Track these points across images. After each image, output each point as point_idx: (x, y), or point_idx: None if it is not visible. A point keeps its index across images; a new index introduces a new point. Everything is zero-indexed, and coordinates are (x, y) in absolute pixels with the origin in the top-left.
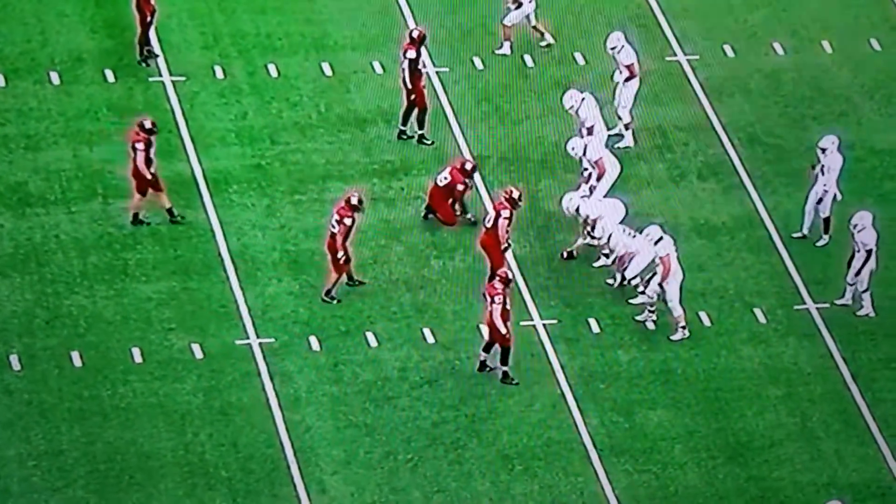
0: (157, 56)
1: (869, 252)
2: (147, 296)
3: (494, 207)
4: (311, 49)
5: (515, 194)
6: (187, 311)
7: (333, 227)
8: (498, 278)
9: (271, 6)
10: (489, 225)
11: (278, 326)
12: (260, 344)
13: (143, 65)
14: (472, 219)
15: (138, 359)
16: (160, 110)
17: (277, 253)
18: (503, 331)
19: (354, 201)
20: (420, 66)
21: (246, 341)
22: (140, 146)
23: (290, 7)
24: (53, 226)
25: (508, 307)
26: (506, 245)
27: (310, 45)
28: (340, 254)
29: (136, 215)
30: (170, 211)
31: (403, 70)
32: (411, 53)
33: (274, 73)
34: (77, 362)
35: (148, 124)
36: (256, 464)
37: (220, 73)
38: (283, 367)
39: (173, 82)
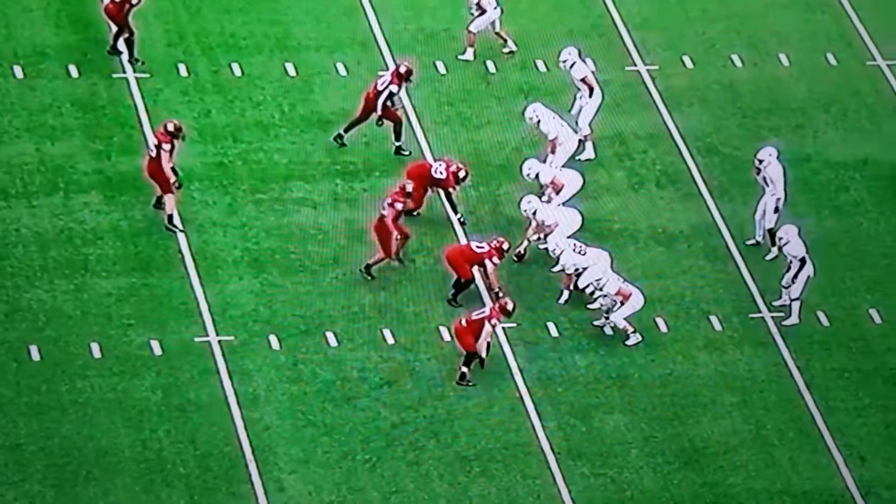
0: (121, 54)
1: (802, 261)
2: (107, 291)
3: (488, 250)
4: (275, 49)
5: (505, 245)
6: (147, 308)
7: (384, 209)
8: (499, 306)
9: (236, 6)
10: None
11: (238, 324)
12: (219, 341)
13: (133, 61)
14: (462, 220)
15: (97, 354)
16: (123, 106)
17: (238, 251)
18: (483, 354)
19: (409, 189)
20: (395, 100)
21: (205, 339)
22: (167, 146)
23: (254, 7)
24: (14, 219)
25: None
26: (497, 290)
27: (274, 45)
28: (396, 234)
29: (170, 217)
30: (160, 200)
31: (380, 95)
32: (394, 88)
33: (238, 73)
34: (35, 356)
35: (171, 127)
36: (214, 461)
37: (184, 71)
38: (243, 366)
39: (137, 79)
